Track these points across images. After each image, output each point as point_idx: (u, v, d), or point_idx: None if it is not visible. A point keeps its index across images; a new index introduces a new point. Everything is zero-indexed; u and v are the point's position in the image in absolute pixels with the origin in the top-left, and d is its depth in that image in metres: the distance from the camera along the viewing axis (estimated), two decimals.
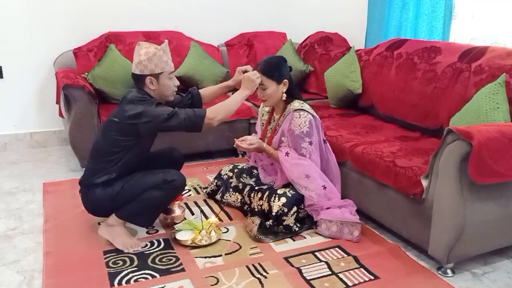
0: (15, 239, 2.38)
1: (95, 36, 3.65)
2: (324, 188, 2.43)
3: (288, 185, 2.50)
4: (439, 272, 2.12)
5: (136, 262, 2.14)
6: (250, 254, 2.23)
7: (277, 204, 2.35)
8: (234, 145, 2.52)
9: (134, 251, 2.23)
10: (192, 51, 3.79)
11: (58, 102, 3.45)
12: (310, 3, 4.49)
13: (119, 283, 1.98)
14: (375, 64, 3.26)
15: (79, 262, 2.15)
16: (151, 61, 2.18)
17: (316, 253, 2.24)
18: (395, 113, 3.01)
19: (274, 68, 2.47)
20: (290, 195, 2.39)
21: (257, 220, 2.40)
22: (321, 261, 2.18)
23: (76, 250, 2.24)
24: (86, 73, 3.42)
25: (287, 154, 2.45)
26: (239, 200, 2.67)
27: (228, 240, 2.35)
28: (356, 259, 2.19)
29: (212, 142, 3.41)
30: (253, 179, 2.70)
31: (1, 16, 3.54)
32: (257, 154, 2.76)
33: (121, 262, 2.14)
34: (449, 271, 2.11)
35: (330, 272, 2.09)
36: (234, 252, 2.25)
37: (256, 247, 2.29)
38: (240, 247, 2.29)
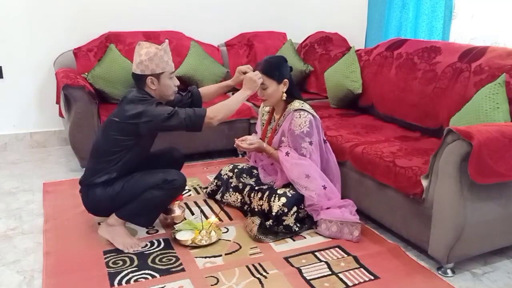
0: (15, 239, 2.38)
1: (95, 36, 3.65)
2: (324, 188, 2.43)
3: (288, 185, 2.50)
4: (439, 272, 2.12)
5: (136, 262, 2.14)
6: (250, 254, 2.23)
7: (277, 204, 2.35)
8: (234, 145, 2.52)
9: (134, 251, 2.23)
10: (192, 51, 3.78)
11: (58, 102, 3.45)
12: (310, 3, 4.49)
13: (119, 283, 1.98)
14: (375, 64, 3.26)
15: (79, 262, 2.15)
16: (152, 61, 2.18)
17: (316, 253, 2.24)
18: (395, 113, 3.00)
19: (274, 68, 2.47)
20: (290, 195, 2.39)
21: (257, 220, 2.40)
22: (321, 261, 2.18)
23: (76, 250, 2.24)
24: (86, 73, 3.42)
25: (287, 154, 2.45)
26: (239, 200, 2.67)
27: (228, 240, 2.35)
28: (356, 259, 2.19)
29: (212, 141, 3.42)
30: (253, 179, 2.70)
31: (1, 16, 3.54)
32: (257, 154, 2.75)
33: (121, 262, 2.14)
34: (449, 271, 2.11)
35: (330, 272, 2.09)
36: (234, 252, 2.25)
37: (256, 247, 2.29)
38: (240, 247, 2.29)
